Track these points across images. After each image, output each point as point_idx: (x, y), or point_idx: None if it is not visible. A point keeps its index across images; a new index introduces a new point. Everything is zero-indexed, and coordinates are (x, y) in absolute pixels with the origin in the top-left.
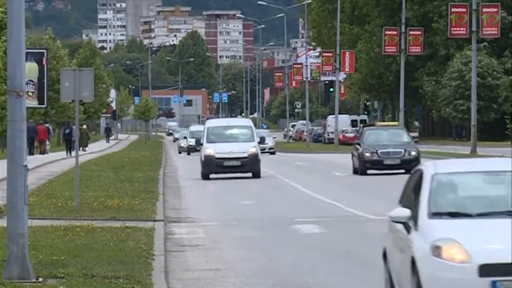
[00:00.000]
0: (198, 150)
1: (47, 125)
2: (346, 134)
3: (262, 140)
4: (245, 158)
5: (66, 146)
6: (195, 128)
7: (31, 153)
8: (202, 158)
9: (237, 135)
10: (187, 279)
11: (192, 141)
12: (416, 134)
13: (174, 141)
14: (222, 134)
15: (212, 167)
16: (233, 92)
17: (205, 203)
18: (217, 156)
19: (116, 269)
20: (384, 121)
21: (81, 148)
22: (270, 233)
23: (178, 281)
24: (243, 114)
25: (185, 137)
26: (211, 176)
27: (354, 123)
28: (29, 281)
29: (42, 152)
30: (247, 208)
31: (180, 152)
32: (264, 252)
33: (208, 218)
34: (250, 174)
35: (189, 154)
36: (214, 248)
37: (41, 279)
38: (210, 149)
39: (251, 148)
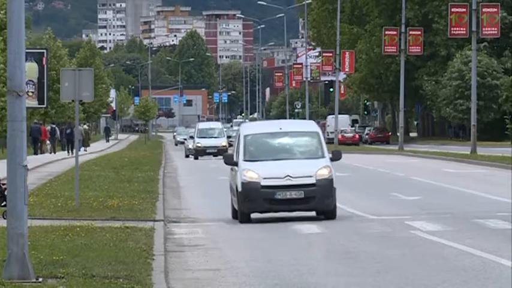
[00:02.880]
0: (209, 154)
1: (54, 125)
2: (345, 134)
3: (337, 156)
4: (311, 186)
5: (67, 146)
6: (203, 125)
7: (35, 153)
8: (239, 187)
9: (296, 149)
10: (187, 279)
11: (200, 142)
12: (415, 134)
13: (176, 144)
14: (270, 147)
15: (256, 202)
16: (233, 92)
17: (205, 203)
18: (264, 183)
19: (116, 269)
20: (384, 122)
21: (82, 148)
22: (270, 233)
23: (178, 281)
24: (242, 114)
25: (191, 137)
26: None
27: None
28: (29, 281)
29: (42, 152)
30: None
31: (187, 156)
32: (264, 252)
33: (208, 218)
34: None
35: (196, 158)
36: (214, 248)
37: (41, 279)
38: (252, 172)
39: (320, 169)
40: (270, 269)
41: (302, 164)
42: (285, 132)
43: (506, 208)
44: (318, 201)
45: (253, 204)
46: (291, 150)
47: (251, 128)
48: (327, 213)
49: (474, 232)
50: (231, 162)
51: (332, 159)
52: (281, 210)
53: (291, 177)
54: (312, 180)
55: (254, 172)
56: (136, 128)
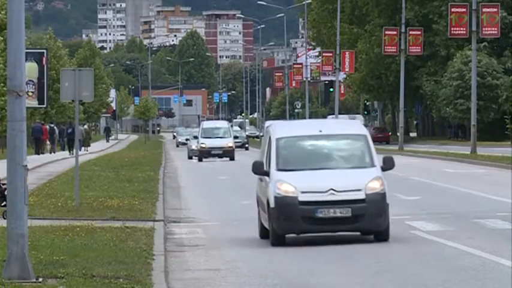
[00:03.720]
0: (214, 155)
1: (52, 125)
2: None
3: (389, 165)
4: (360, 202)
5: (68, 146)
6: (208, 124)
7: (37, 152)
8: (271, 203)
9: (340, 156)
10: (187, 279)
11: (205, 143)
12: (415, 134)
13: (177, 145)
14: (309, 154)
15: (293, 221)
16: (233, 92)
17: (205, 203)
18: (302, 198)
19: (116, 269)
20: (384, 122)
21: (83, 148)
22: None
23: (178, 281)
24: (243, 114)
25: (195, 137)
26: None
27: None
28: (29, 281)
29: (43, 152)
30: (247, 208)
31: (190, 157)
32: (264, 252)
33: (208, 218)
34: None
35: (200, 160)
36: (214, 248)
37: (41, 279)
38: (288, 185)
39: (371, 181)
40: (270, 269)
41: (348, 175)
42: (326, 135)
43: (506, 208)
44: (368, 220)
45: (290, 223)
46: (334, 158)
47: (284, 129)
48: (378, 234)
49: (474, 232)
50: (260, 171)
51: (383, 169)
52: (323, 231)
53: (335, 191)
54: (361, 195)
55: (290, 184)
56: (147, 128)
